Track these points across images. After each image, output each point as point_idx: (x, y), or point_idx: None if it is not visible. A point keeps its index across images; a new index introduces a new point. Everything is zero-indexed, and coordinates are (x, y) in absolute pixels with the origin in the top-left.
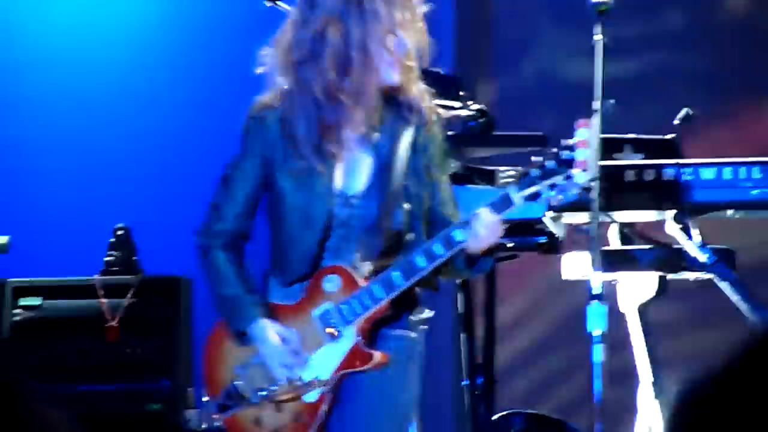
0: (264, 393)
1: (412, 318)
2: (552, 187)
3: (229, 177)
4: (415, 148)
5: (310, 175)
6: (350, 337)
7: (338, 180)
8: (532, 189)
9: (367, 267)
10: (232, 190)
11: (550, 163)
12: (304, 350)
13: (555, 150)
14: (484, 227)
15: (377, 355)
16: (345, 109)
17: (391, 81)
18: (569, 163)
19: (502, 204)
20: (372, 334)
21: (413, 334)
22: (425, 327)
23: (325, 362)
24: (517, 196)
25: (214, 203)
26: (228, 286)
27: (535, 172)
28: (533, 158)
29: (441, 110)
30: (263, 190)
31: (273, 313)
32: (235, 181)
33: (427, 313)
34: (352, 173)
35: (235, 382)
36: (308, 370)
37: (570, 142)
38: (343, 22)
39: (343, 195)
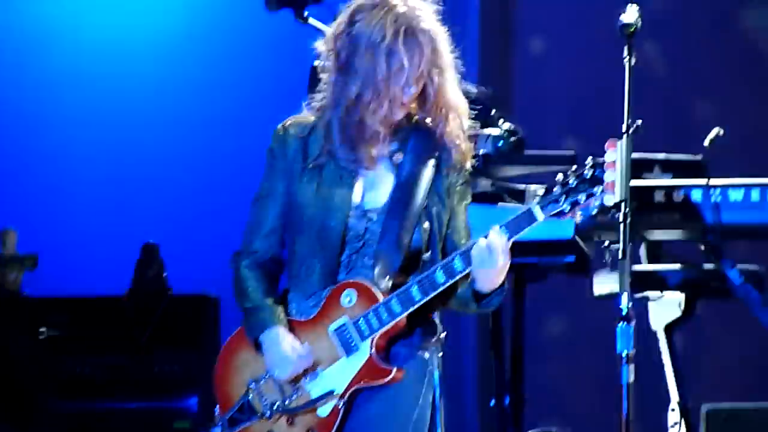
0: (277, 406)
1: (426, 337)
2: (574, 204)
3: (255, 200)
4: (439, 171)
5: (329, 187)
6: (365, 352)
7: (357, 194)
8: (554, 205)
9: (385, 282)
10: (259, 213)
11: (573, 181)
12: (320, 364)
13: (576, 168)
14: (487, 249)
15: (393, 371)
16: (364, 130)
17: (398, 117)
18: (591, 182)
19: (525, 220)
20: (386, 351)
21: (426, 354)
22: (440, 348)
23: (339, 376)
24: (540, 212)
25: (245, 229)
26: (249, 300)
27: (558, 189)
28: (557, 177)
29: (468, 139)
30: (288, 208)
31: (290, 328)
32: (260, 204)
33: (441, 336)
34: (371, 189)
35: (248, 396)
36: (322, 383)
37: (592, 161)
38: (373, 62)
39: (360, 208)
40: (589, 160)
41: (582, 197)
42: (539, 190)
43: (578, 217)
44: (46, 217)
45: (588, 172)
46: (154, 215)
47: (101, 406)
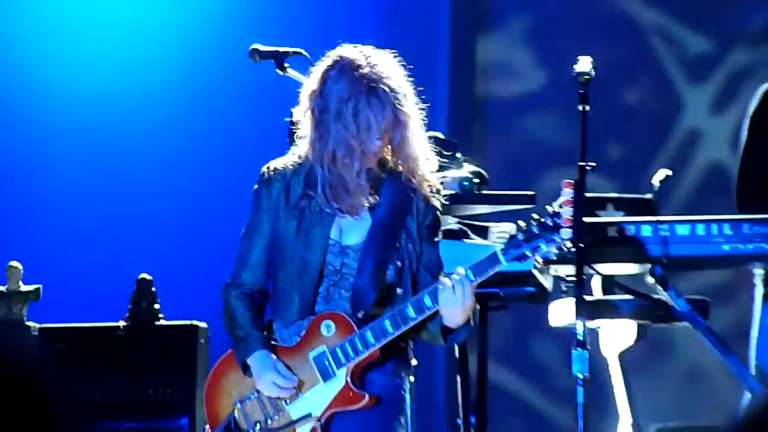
0: (259, 426)
1: (399, 365)
2: (535, 249)
3: (243, 236)
4: (411, 213)
5: (309, 225)
6: (341, 379)
7: (335, 232)
8: (517, 251)
9: (361, 315)
10: (246, 248)
11: (535, 228)
12: (299, 389)
13: (538, 217)
14: (452, 290)
15: (366, 397)
16: (352, 180)
17: (370, 165)
18: (552, 229)
19: (489, 263)
20: (361, 378)
21: (398, 380)
22: (411, 375)
23: (317, 400)
24: (503, 258)
25: (236, 257)
26: (237, 327)
27: (521, 236)
28: (519, 222)
29: (438, 181)
30: (273, 243)
31: (275, 353)
32: (247, 239)
33: (413, 362)
34: (349, 229)
35: (234, 415)
36: (301, 405)
37: (553, 208)
38: (341, 121)
39: (338, 245)
40: (550, 209)
41: (542, 244)
42: (501, 226)
43: (539, 260)
44: (48, 252)
45: (549, 221)
46: (148, 252)
47: (101, 425)
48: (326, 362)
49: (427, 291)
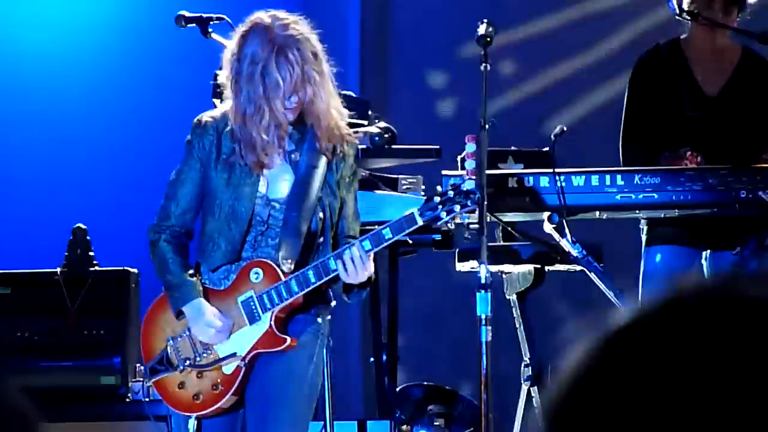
0: (189, 362)
1: (320, 307)
2: (449, 213)
3: (174, 181)
4: (330, 167)
5: (239, 177)
6: (266, 322)
7: (262, 186)
8: (432, 213)
9: (288, 265)
10: (177, 192)
11: (451, 193)
12: (228, 330)
13: (454, 182)
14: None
15: (287, 340)
16: (259, 136)
17: (287, 120)
18: (466, 195)
19: (407, 222)
20: (285, 320)
21: (319, 320)
22: (329, 314)
23: (242, 341)
24: (419, 218)
25: (162, 204)
26: (170, 273)
27: (437, 199)
28: (437, 188)
29: (352, 134)
30: (203, 191)
31: (204, 295)
32: (179, 184)
33: (331, 304)
34: (275, 182)
35: (166, 351)
36: (228, 345)
37: (467, 177)
38: (252, 82)
39: (265, 197)
40: (465, 175)
41: (457, 207)
42: (408, 178)
43: (452, 222)
44: None
45: (464, 186)
46: (83, 203)
47: (40, 363)
48: (253, 306)
49: (350, 246)
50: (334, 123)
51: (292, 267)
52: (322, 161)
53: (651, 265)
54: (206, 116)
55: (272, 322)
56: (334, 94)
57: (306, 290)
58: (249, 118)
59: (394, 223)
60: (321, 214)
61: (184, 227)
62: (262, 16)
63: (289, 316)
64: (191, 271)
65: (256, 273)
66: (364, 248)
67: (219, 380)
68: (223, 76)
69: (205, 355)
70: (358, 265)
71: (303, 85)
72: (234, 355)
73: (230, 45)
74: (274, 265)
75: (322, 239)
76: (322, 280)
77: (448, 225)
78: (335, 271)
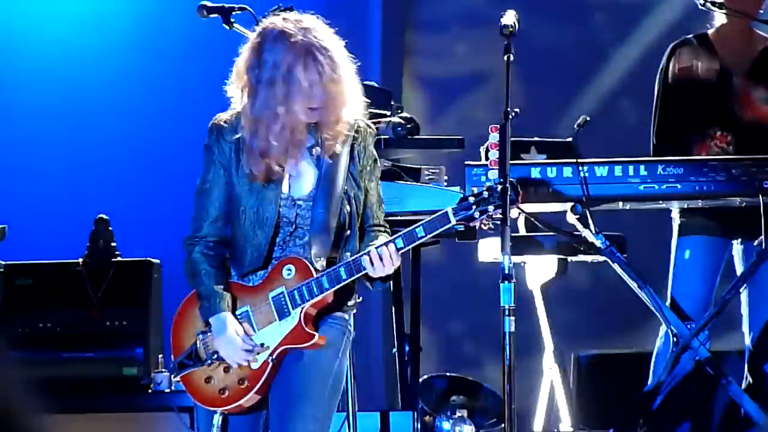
0: (216, 355)
1: (347, 303)
2: (483, 213)
3: (200, 190)
4: (351, 157)
5: (261, 182)
6: (295, 318)
7: (285, 186)
8: (466, 212)
9: (321, 262)
10: (205, 201)
11: (485, 193)
12: (257, 324)
13: (489, 184)
14: (381, 257)
15: (316, 337)
16: (268, 144)
17: (306, 123)
18: (499, 195)
19: (440, 221)
20: (315, 317)
21: (346, 316)
22: (355, 310)
23: (272, 336)
24: (453, 217)
25: (194, 215)
26: (201, 284)
27: (472, 199)
28: (473, 189)
29: (371, 124)
30: (230, 195)
31: (235, 290)
32: (206, 193)
33: (358, 299)
34: (298, 181)
35: (196, 345)
36: (257, 340)
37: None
38: (272, 87)
39: (289, 198)
40: (489, 165)
41: (491, 208)
42: (431, 169)
43: (485, 222)
44: (13, 196)
45: (499, 188)
46: (105, 194)
47: (62, 354)
48: (283, 302)
49: (382, 245)
50: (357, 114)
51: (324, 264)
52: (344, 153)
53: (680, 260)
54: (222, 120)
55: (302, 318)
56: (356, 88)
57: (336, 287)
58: (262, 125)
59: (427, 223)
60: (348, 208)
61: (218, 236)
62: (276, 21)
63: (318, 313)
64: (222, 285)
65: (289, 269)
66: (396, 245)
67: (246, 375)
68: (234, 87)
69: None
70: (387, 263)
71: (328, 84)
72: (263, 345)
73: (244, 55)
74: (307, 261)
75: (348, 232)
76: (354, 277)
77: (482, 225)
78: (365, 269)
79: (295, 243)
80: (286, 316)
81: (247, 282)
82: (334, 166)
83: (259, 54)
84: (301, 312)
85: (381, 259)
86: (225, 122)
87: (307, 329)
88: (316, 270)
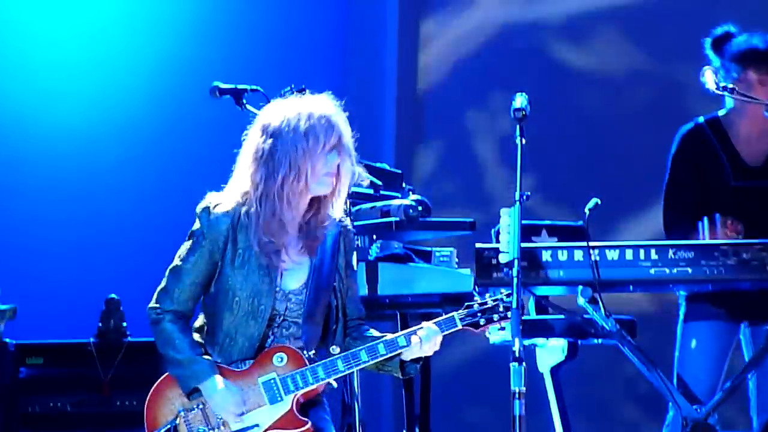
0: (221, 420)
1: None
2: (489, 321)
3: (179, 267)
4: (339, 250)
5: (257, 274)
6: (288, 403)
7: (278, 279)
8: (473, 319)
9: (309, 353)
10: (183, 278)
11: (490, 303)
12: (245, 404)
13: (497, 297)
14: (425, 339)
15: (308, 423)
16: (283, 220)
17: (322, 193)
18: (505, 307)
19: (446, 324)
20: (304, 404)
21: (324, 399)
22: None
23: (262, 416)
24: (459, 322)
25: (164, 287)
26: (181, 352)
27: (477, 306)
28: (476, 296)
29: (347, 216)
30: (208, 281)
31: (222, 373)
32: (185, 273)
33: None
34: (291, 274)
35: (175, 422)
36: (245, 422)
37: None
38: (284, 158)
39: (282, 291)
40: (504, 292)
41: (495, 317)
42: (442, 251)
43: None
44: (23, 275)
45: (503, 301)
46: (116, 274)
47: None
48: (275, 388)
49: (383, 341)
50: (341, 201)
51: (313, 354)
52: (334, 246)
53: (686, 349)
54: (214, 207)
55: (294, 405)
56: (355, 172)
57: (332, 377)
58: (288, 183)
59: (436, 323)
60: (335, 301)
61: (186, 311)
62: (291, 106)
63: (308, 405)
64: (201, 350)
65: (280, 357)
66: (398, 344)
67: None
68: (242, 165)
69: (217, 430)
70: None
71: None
72: (253, 427)
73: (252, 135)
74: (299, 351)
75: (335, 325)
76: (350, 370)
77: (487, 333)
78: (364, 362)
79: (282, 333)
80: (278, 401)
81: (235, 367)
82: (328, 257)
83: (273, 124)
84: (293, 398)
85: (378, 357)
86: (218, 210)
87: (299, 417)
88: (309, 360)
